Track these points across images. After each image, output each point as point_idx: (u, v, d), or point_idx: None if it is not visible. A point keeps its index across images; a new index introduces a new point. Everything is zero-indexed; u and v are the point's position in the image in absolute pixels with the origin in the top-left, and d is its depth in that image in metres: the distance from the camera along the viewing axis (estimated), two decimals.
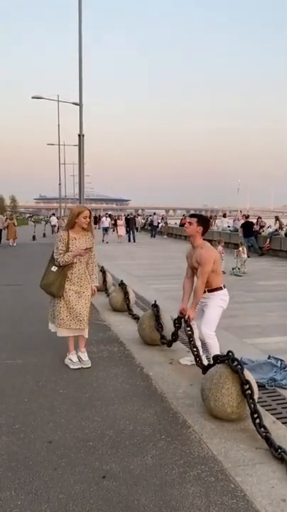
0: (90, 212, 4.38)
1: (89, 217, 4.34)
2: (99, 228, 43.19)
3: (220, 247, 11.23)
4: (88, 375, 4.16)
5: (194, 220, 4.22)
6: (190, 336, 4.16)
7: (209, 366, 3.51)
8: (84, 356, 4.50)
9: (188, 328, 4.19)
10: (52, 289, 4.29)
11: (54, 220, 34.89)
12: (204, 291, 4.16)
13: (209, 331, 4.13)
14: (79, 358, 4.49)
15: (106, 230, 24.99)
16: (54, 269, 4.32)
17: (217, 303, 4.16)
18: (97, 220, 51.26)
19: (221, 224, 24.75)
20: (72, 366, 4.40)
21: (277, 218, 18.77)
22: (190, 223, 4.24)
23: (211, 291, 4.15)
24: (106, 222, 25.65)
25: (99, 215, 59.62)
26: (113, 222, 28.75)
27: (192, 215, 4.37)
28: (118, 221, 25.70)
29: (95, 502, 2.33)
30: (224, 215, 28.72)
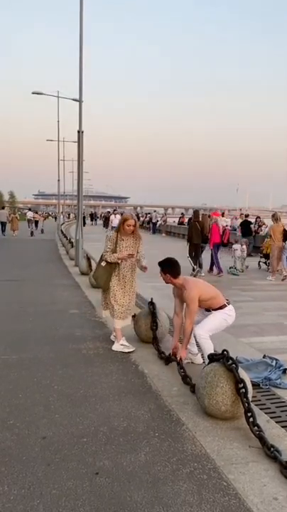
0: (135, 221, 4.85)
1: (134, 226, 4.81)
2: (95, 224, 42.79)
3: (243, 246, 12.10)
4: (83, 372, 4.17)
5: (160, 270, 4.36)
6: (184, 378, 3.90)
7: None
8: (126, 342, 4.86)
9: (181, 370, 3.98)
10: (100, 282, 4.86)
11: (30, 214, 35.55)
12: (209, 310, 4.26)
13: (202, 331, 4.13)
14: (123, 345, 4.81)
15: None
16: (103, 264, 4.84)
17: (222, 316, 4.22)
18: (93, 217, 50.89)
19: (219, 222, 24.65)
20: (126, 350, 4.76)
21: None
22: (161, 275, 4.38)
23: (216, 309, 4.24)
24: (116, 220, 23.01)
25: (95, 212, 59.19)
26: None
27: (159, 265, 4.39)
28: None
29: (88, 498, 2.34)
30: (223, 214, 28.65)
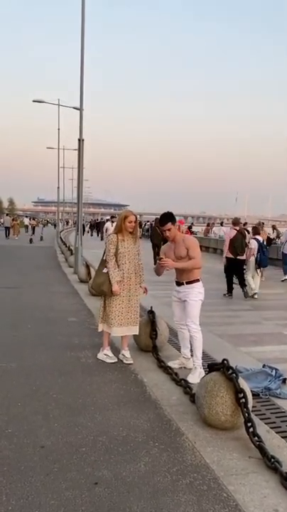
0: (136, 217, 4.71)
1: (135, 222, 4.66)
2: (99, 235, 42.77)
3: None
4: (82, 381, 4.15)
5: (169, 224, 4.40)
6: (184, 387, 3.94)
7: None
8: (127, 354, 4.72)
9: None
10: (104, 288, 4.55)
11: (26, 221, 38.70)
12: (183, 283, 4.42)
13: (195, 325, 4.35)
14: (123, 354, 4.72)
15: None
16: (105, 270, 4.62)
17: (197, 296, 4.39)
18: (99, 226, 50.09)
19: (218, 232, 24.76)
20: (108, 361, 4.68)
21: (274, 227, 18.91)
22: (169, 229, 4.42)
23: (189, 283, 4.39)
24: (112, 229, 23.60)
25: (95, 220, 58.62)
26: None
27: (162, 222, 4.46)
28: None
29: (86, 509, 2.32)
30: (221, 224, 28.76)
